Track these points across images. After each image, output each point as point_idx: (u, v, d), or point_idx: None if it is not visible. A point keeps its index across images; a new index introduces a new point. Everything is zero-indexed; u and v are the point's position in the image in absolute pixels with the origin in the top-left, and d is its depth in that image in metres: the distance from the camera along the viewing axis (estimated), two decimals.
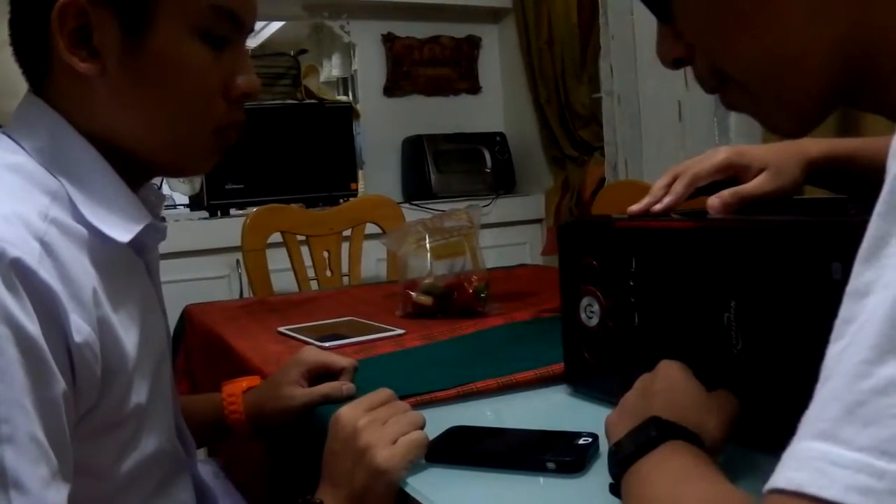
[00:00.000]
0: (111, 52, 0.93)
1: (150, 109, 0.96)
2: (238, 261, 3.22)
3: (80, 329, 0.83)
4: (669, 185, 1.09)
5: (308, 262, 2.79)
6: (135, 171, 1.00)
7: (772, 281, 0.87)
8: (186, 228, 3.42)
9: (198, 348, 2.04)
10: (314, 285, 2.80)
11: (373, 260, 3.06)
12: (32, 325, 0.78)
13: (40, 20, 0.92)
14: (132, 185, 0.99)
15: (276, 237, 2.74)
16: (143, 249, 1.03)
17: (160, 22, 0.93)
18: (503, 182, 4.10)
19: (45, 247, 0.83)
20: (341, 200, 3.58)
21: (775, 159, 1.09)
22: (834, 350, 0.49)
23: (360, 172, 3.87)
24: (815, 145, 1.13)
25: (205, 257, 3.32)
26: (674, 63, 0.80)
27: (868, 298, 0.48)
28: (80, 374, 0.84)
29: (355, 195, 3.69)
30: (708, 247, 0.94)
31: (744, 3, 0.70)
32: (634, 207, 1.08)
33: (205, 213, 3.51)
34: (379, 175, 4.11)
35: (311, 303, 2.22)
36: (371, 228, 2.90)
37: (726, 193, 1.03)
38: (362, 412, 0.98)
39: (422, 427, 0.97)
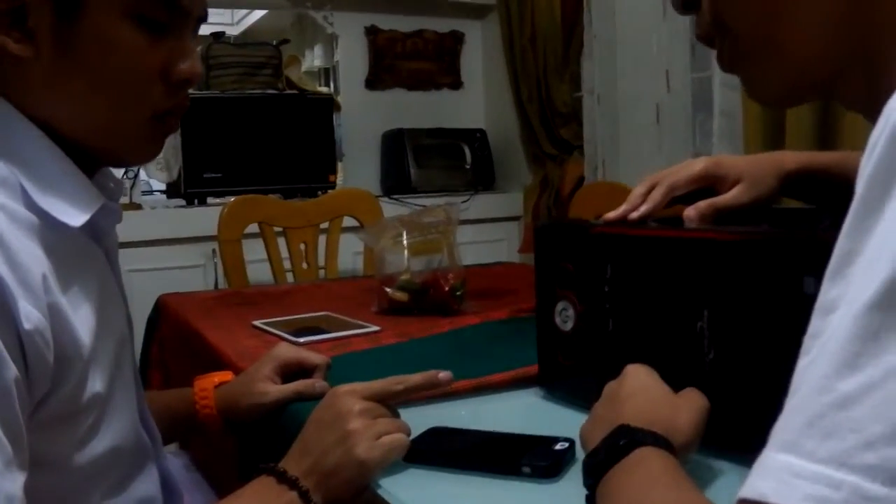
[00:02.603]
0: (45, 35, 0.91)
1: (84, 93, 0.95)
2: (214, 250, 3.21)
3: (30, 315, 0.82)
4: (647, 193, 1.10)
5: (284, 253, 2.78)
6: (84, 156, 0.98)
7: (745, 292, 0.88)
8: (163, 216, 3.41)
9: (172, 339, 2.03)
10: (290, 277, 2.79)
11: (349, 253, 3.06)
12: None
13: None
14: (85, 171, 0.98)
15: (253, 228, 2.73)
16: (100, 236, 1.02)
17: (94, 4, 0.91)
18: (482, 178, 4.10)
19: None
20: (319, 192, 3.57)
21: (752, 171, 1.10)
22: (801, 364, 0.51)
23: (339, 164, 3.87)
24: (791, 157, 1.14)
25: (180, 246, 3.31)
26: (682, 5, 0.80)
27: (834, 314, 0.49)
28: (31, 361, 0.83)
29: (333, 187, 3.68)
30: (683, 256, 0.95)
31: None
32: (612, 214, 1.09)
33: (181, 202, 3.50)
34: (358, 168, 4.10)
35: (287, 296, 2.22)
36: (348, 221, 2.89)
37: (702, 204, 1.04)
38: (361, 398, 0.99)
39: (407, 434, 0.98)
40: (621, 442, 0.75)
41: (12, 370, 0.80)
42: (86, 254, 0.98)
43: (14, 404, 0.80)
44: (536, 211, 3.90)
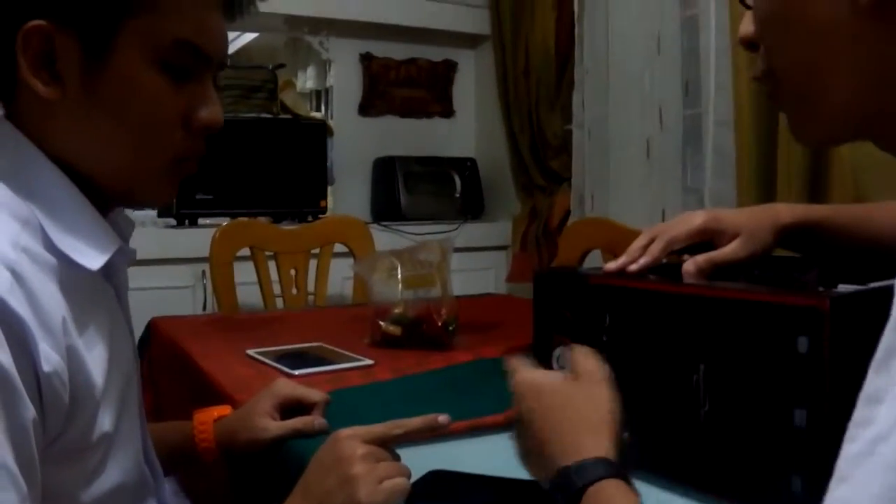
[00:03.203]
0: (73, 77, 0.93)
1: (106, 136, 0.96)
2: (204, 272, 3.22)
3: (49, 358, 0.84)
4: (646, 246, 1.13)
5: (274, 276, 2.80)
6: (99, 196, 1.00)
7: (741, 349, 0.91)
8: (153, 236, 3.41)
9: (163, 362, 2.04)
10: (279, 302, 2.81)
11: (338, 278, 3.07)
12: (3, 355, 0.79)
13: (6, 43, 0.92)
14: (100, 210, 0.99)
15: (244, 250, 2.75)
16: (111, 274, 1.03)
17: (121, 50, 0.93)
18: (472, 207, 4.13)
19: (16, 276, 0.83)
20: (310, 217, 3.59)
21: (749, 226, 1.12)
22: (848, 452, 0.53)
23: (329, 189, 3.88)
24: (787, 211, 1.17)
25: (171, 266, 3.31)
26: (748, 44, 0.84)
27: (881, 406, 0.52)
28: (48, 402, 0.85)
29: (324, 212, 3.69)
30: (680, 311, 0.97)
31: (803, 15, 0.73)
32: (611, 265, 1.11)
33: (172, 221, 3.51)
34: (348, 193, 4.12)
35: (279, 322, 2.24)
36: (338, 247, 2.91)
37: (701, 259, 1.07)
38: (363, 442, 1.00)
39: (408, 477, 1.00)
40: (572, 489, 0.80)
41: (31, 411, 0.82)
42: (99, 293, 1.00)
43: (31, 444, 0.82)
44: (525, 241, 3.92)
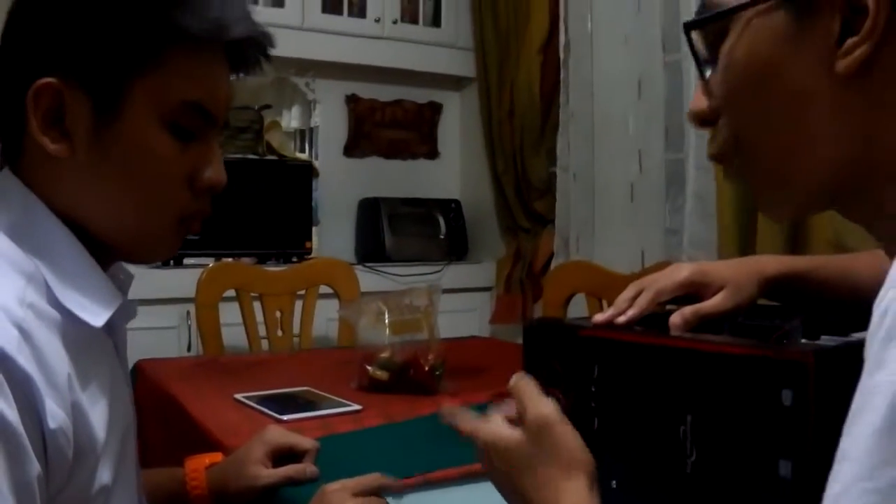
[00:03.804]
0: (81, 135, 0.95)
1: (113, 194, 0.97)
2: (189, 312, 3.22)
3: (55, 415, 0.85)
4: (634, 298, 1.14)
5: (259, 318, 2.80)
6: (101, 250, 1.01)
7: (727, 400, 0.93)
8: (138, 276, 3.36)
9: (149, 405, 2.04)
10: (264, 343, 2.81)
11: (323, 319, 3.07)
12: (11, 412, 0.80)
13: (16, 98, 0.94)
14: (101, 264, 1.00)
15: (229, 291, 2.76)
16: (112, 328, 1.04)
17: (131, 110, 0.95)
18: (456, 248, 4.14)
19: (23, 333, 0.84)
20: (294, 258, 3.60)
21: (734, 278, 1.14)
22: (831, 492, 0.57)
23: (314, 230, 3.89)
24: (772, 263, 1.20)
25: (155, 307, 3.31)
26: (700, 120, 0.85)
27: (844, 463, 0.57)
28: (52, 458, 0.85)
29: (309, 253, 3.70)
30: (667, 363, 0.99)
31: (778, 87, 0.74)
32: (599, 317, 1.13)
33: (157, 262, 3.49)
34: (333, 234, 4.13)
35: (266, 366, 2.25)
36: (323, 287, 2.92)
37: (688, 311, 1.09)
38: (350, 495, 1.01)
39: None
40: None
41: (36, 467, 0.82)
42: (100, 347, 1.01)
43: (36, 500, 0.83)
44: (509, 283, 3.94)
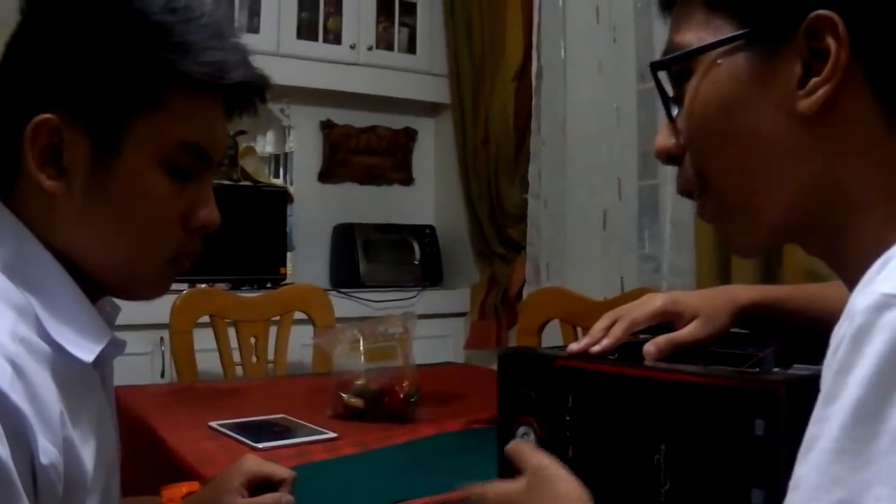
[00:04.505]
0: (78, 173, 0.95)
1: (108, 233, 0.97)
2: (162, 338, 3.20)
3: (47, 451, 0.85)
4: (608, 328, 1.15)
5: (234, 344, 2.80)
6: (91, 286, 1.00)
7: (700, 430, 0.94)
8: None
9: (123, 433, 2.02)
10: (239, 370, 2.80)
11: (297, 345, 3.07)
12: (2, 448, 0.80)
13: (14, 133, 0.94)
14: (90, 297, 1.00)
15: (203, 317, 2.76)
16: (100, 362, 1.02)
17: (129, 149, 0.95)
18: (430, 274, 4.15)
19: (16, 368, 0.84)
20: (269, 284, 3.60)
21: (707, 307, 1.16)
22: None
23: (288, 255, 3.89)
24: (745, 293, 1.21)
25: (128, 332, 3.27)
26: (666, 157, 0.86)
27: (796, 492, 0.59)
28: (42, 494, 0.85)
29: (284, 279, 3.70)
30: (641, 393, 1.00)
31: (740, 126, 0.77)
32: (574, 347, 1.14)
33: None
34: (308, 260, 4.12)
35: (241, 393, 2.24)
36: (297, 313, 2.92)
37: (661, 340, 1.10)
38: None
39: None
40: None
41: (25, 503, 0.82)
42: (88, 382, 1.00)
43: None
44: (483, 309, 3.94)
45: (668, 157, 0.86)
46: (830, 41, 0.70)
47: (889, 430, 0.52)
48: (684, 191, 0.86)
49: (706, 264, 2.61)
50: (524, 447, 1.02)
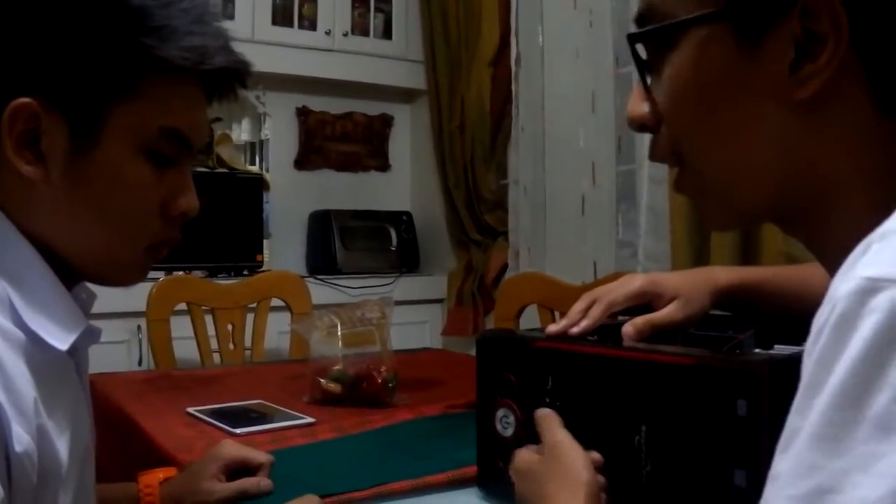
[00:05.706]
0: (56, 159, 0.93)
1: (86, 220, 0.96)
2: (139, 326, 3.19)
3: (21, 439, 0.84)
4: (587, 310, 1.15)
5: (211, 331, 2.78)
6: (67, 273, 0.99)
7: (681, 411, 0.93)
8: None
9: (99, 420, 2.00)
10: (216, 357, 2.79)
11: (274, 332, 3.06)
12: None
13: None
14: (66, 284, 0.99)
15: (180, 305, 2.74)
16: (74, 350, 1.01)
17: (108, 136, 0.94)
18: (407, 261, 4.15)
19: None
20: (246, 271, 3.58)
21: (686, 289, 1.16)
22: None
23: (265, 242, 3.87)
24: (724, 274, 1.21)
25: (105, 321, 3.25)
26: (639, 125, 0.81)
27: (774, 484, 0.57)
28: (16, 482, 0.84)
29: (260, 266, 3.69)
30: (621, 374, 1.00)
31: (725, 107, 0.73)
32: (553, 328, 1.14)
33: None
34: (284, 247, 4.11)
35: (218, 380, 2.23)
36: (274, 301, 2.91)
37: (640, 321, 1.10)
38: None
39: None
40: None
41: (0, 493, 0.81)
42: (63, 370, 0.99)
43: None
44: (460, 295, 3.94)
45: (642, 125, 0.81)
46: (827, 24, 0.65)
47: (870, 417, 0.51)
48: (658, 159, 0.82)
49: (682, 250, 2.61)
50: (549, 420, 1.04)
